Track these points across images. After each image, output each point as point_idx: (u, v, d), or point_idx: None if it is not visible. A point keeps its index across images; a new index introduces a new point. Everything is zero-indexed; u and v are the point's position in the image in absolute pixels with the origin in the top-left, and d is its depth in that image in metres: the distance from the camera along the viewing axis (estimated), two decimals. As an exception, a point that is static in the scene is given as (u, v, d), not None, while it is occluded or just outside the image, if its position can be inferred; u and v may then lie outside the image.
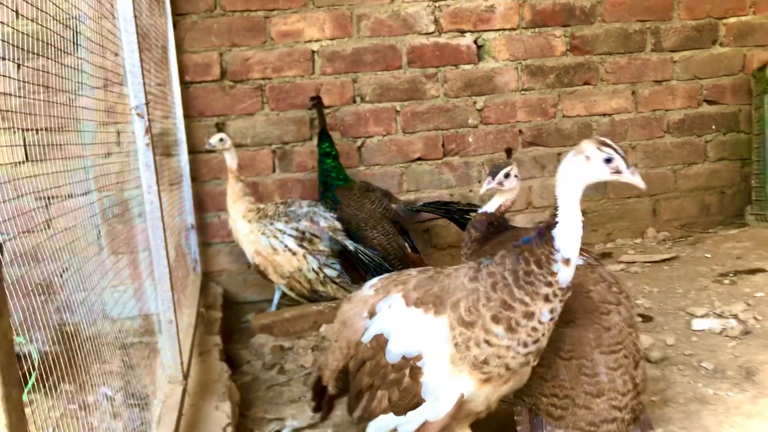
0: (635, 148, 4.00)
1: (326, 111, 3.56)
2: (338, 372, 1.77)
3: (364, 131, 3.69)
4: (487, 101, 3.79)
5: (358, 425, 1.71)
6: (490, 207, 2.17)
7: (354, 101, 3.66)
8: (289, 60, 3.56)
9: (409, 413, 1.54)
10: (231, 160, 3.16)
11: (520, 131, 3.85)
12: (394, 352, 1.55)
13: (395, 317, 1.59)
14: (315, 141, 3.58)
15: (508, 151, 2.20)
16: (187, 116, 3.42)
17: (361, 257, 3.31)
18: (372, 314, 1.66)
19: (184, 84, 3.44)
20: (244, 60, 3.52)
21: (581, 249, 1.86)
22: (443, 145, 3.78)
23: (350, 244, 3.27)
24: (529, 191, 3.90)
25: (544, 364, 1.65)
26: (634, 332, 1.75)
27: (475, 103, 3.79)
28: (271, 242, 3.13)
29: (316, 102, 3.44)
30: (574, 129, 3.91)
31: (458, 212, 3.40)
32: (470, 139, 3.80)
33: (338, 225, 3.28)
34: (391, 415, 1.57)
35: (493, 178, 2.15)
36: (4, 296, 0.91)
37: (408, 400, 1.53)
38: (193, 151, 3.43)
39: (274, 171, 3.62)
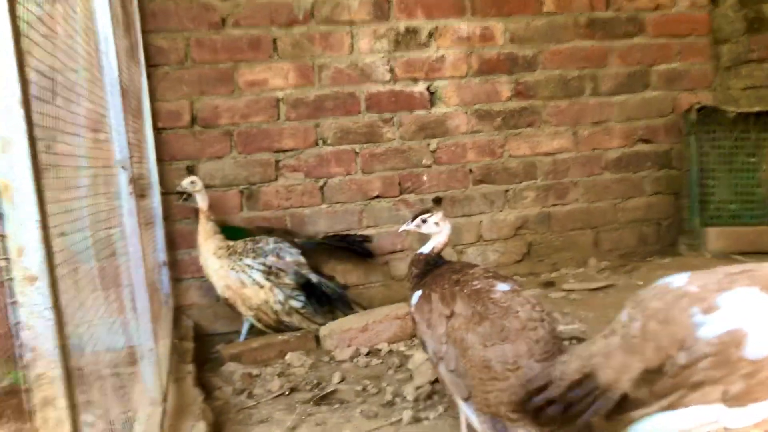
0: (577, 184, 4.44)
1: (290, 153, 3.93)
2: (643, 372, 1.64)
3: (326, 172, 4.05)
4: (440, 143, 4.20)
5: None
6: (426, 249, 2.51)
7: (317, 144, 4.02)
8: (255, 107, 3.92)
9: (751, 405, 1.56)
10: (202, 200, 3.48)
11: (470, 170, 4.26)
12: (757, 347, 1.54)
13: (758, 311, 1.56)
14: (280, 181, 3.92)
15: (436, 200, 2.56)
16: (159, 160, 3.73)
17: (324, 289, 3.64)
18: (709, 310, 1.60)
19: (157, 130, 3.77)
20: (213, 107, 3.86)
21: (507, 278, 2.24)
22: (400, 184, 4.16)
23: (314, 277, 3.60)
24: (479, 225, 4.29)
25: (500, 378, 1.96)
26: (558, 341, 2.10)
27: (428, 144, 4.19)
28: (240, 277, 3.44)
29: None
30: (519, 167, 4.33)
31: (356, 243, 3.88)
32: (425, 178, 4.19)
33: (303, 260, 3.61)
34: (717, 406, 1.59)
35: (412, 222, 2.50)
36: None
37: (757, 393, 1.55)
38: (165, 192, 3.74)
39: (241, 210, 3.94)
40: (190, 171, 3.79)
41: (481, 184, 4.28)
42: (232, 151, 3.91)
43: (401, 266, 4.17)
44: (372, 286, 4.17)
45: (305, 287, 3.61)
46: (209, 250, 3.49)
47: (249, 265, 3.47)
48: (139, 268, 2.35)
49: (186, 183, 3.49)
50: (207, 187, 3.64)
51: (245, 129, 3.91)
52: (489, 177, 4.29)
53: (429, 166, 4.20)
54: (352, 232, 4.01)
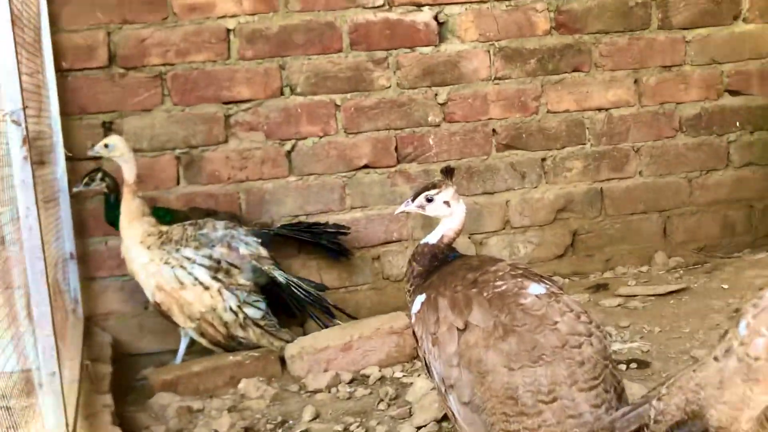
0: (639, 151, 4.46)
1: (245, 105, 3.93)
2: None
3: (294, 131, 4.05)
4: (452, 93, 4.20)
5: None
6: (432, 238, 2.52)
7: (282, 93, 4.02)
8: (197, 41, 3.90)
9: None
10: (128, 170, 3.47)
11: (493, 131, 4.27)
12: None
13: None
14: (232, 144, 3.92)
15: (447, 171, 2.57)
16: (65, 113, 3.72)
17: (295, 291, 3.65)
18: None
19: (61, 72, 3.75)
20: (139, 41, 3.84)
21: (542, 278, 2.25)
22: (397, 149, 4.17)
23: (280, 276, 3.61)
24: (506, 207, 4.32)
25: (530, 413, 1.99)
26: (611, 364, 2.13)
27: (436, 95, 4.19)
28: (176, 274, 3.45)
29: None
30: (561, 128, 4.35)
31: (325, 235, 3.90)
32: (431, 141, 4.19)
33: (264, 252, 3.62)
34: None
35: (412, 201, 2.51)
36: None
37: None
38: (73, 157, 3.73)
39: (178, 183, 3.95)
40: (108, 129, 3.77)
41: (509, 149, 4.29)
42: (165, 102, 3.89)
43: (398, 262, 4.18)
44: (358, 288, 4.19)
45: (267, 289, 3.61)
46: (135, 238, 3.49)
47: (189, 258, 3.47)
48: (37, 262, 2.35)
49: (99, 147, 3.48)
50: (133, 151, 3.61)
51: (183, 71, 3.90)
52: (519, 140, 4.30)
53: (437, 125, 4.20)
54: (323, 221, 4.02)
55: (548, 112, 4.33)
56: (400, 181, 4.18)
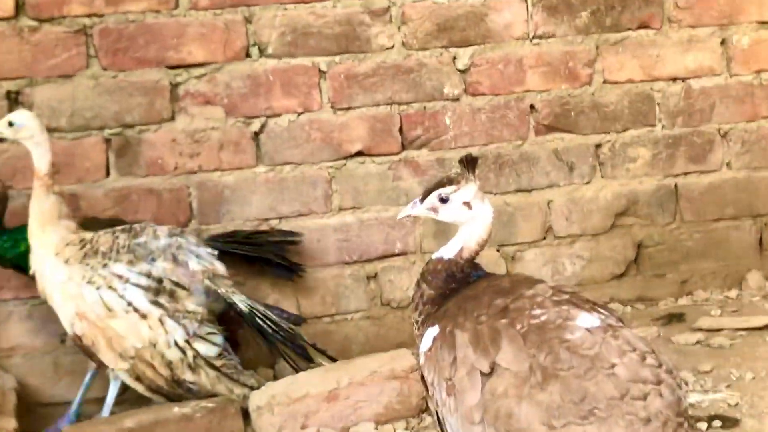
0: (727, 135, 4.46)
1: (198, 70, 3.94)
2: None
3: (264, 106, 4.05)
4: (476, 56, 4.20)
5: None
6: (448, 251, 2.51)
7: (247, 55, 4.02)
8: (133, -16, 3.91)
9: None
10: (40, 157, 3.44)
11: (531, 107, 4.27)
12: None
13: None
14: (180, 122, 3.93)
15: (468, 161, 2.56)
16: (-48, 81, 3.72)
17: (262, 324, 3.64)
18: None
19: (-52, 25, 3.75)
20: (56, -18, 3.85)
21: (596, 305, 2.26)
22: (402, 131, 4.17)
23: (242, 302, 3.60)
24: (547, 209, 4.32)
25: None
26: (687, 422, 2.13)
27: (455, 59, 4.19)
28: (104, 297, 3.43)
29: None
30: (622, 104, 4.35)
31: (269, 247, 3.91)
32: (447, 121, 4.19)
33: (221, 268, 3.60)
34: None
35: (422, 201, 2.52)
36: None
37: None
38: (-36, 140, 3.71)
39: (108, 174, 3.94)
40: (14, 102, 3.76)
41: (552, 132, 4.30)
42: (92, 66, 3.89)
43: (402, 282, 4.18)
44: (347, 317, 4.19)
45: (225, 319, 3.60)
46: (49, 248, 3.47)
47: (121, 277, 3.45)
48: None
49: (2, 125, 3.45)
50: (48, 130, 3.61)
51: (115, 25, 3.89)
52: (566, 120, 4.31)
53: (455, 99, 4.20)
54: (266, 229, 4.04)
55: (605, 82, 4.33)
56: (405, 173, 4.19)
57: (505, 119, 4.25)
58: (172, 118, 3.98)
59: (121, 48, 3.91)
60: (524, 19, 4.24)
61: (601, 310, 2.25)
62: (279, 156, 4.08)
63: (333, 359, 3.84)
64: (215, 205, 4.04)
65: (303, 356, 3.75)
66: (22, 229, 3.52)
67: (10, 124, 3.42)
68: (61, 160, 3.75)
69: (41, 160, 3.43)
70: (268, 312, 3.67)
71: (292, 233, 4.03)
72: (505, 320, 2.21)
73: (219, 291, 3.58)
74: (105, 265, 3.45)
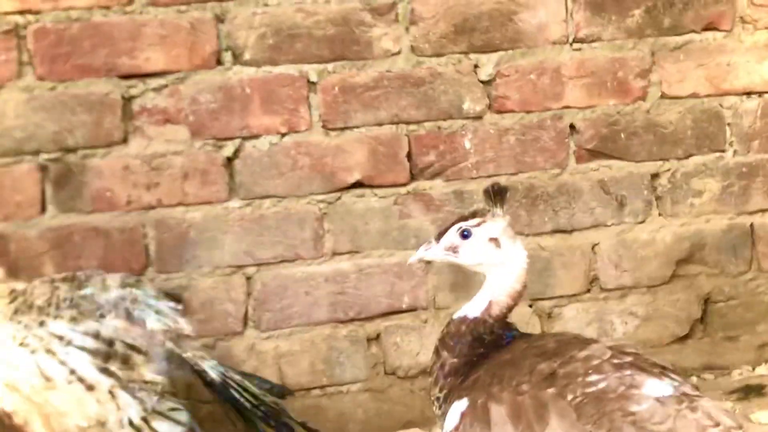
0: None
1: (157, 80, 3.93)
2: None
3: (240, 126, 4.04)
4: (503, 64, 4.21)
5: None
6: (473, 308, 2.53)
7: (219, 62, 4.01)
8: (78, -27, 3.91)
9: None
10: None
11: (572, 128, 4.27)
12: None
13: None
14: (135, 146, 3.91)
15: (495, 192, 2.56)
16: None
17: (238, 395, 3.59)
18: None
19: None
20: (-19, -28, 3.84)
21: (665, 369, 2.24)
22: (410, 157, 4.17)
23: (212, 369, 3.55)
24: (591, 254, 4.32)
25: None
26: None
27: (477, 67, 4.19)
28: (40, 363, 3.40)
29: None
30: (685, 123, 4.35)
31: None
32: (467, 144, 4.19)
33: (184, 326, 3.57)
34: None
35: (438, 240, 2.51)
36: None
37: None
38: None
39: (43, 210, 3.92)
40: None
41: (597, 158, 4.30)
42: (24, 76, 3.88)
43: (410, 345, 4.16)
44: (343, 390, 4.16)
45: (191, 391, 3.57)
46: None
47: (62, 338, 3.42)
48: None
49: None
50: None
51: (55, 24, 3.88)
52: (614, 144, 4.30)
53: (478, 117, 4.20)
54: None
55: (663, 96, 4.34)
56: (415, 209, 4.17)
57: (538, 142, 4.24)
58: (125, 141, 3.96)
59: (62, 53, 3.90)
60: (563, 19, 4.24)
61: (673, 376, 2.24)
62: (258, 187, 4.07)
63: (327, 440, 3.83)
64: (178, 248, 4.02)
65: (287, 436, 3.71)
66: None
67: None
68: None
69: None
70: (246, 382, 3.62)
71: (176, 295, 3.90)
72: (552, 389, 2.21)
73: (184, 356, 3.53)
74: (42, 323, 3.41)
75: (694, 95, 4.35)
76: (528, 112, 4.23)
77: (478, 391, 2.32)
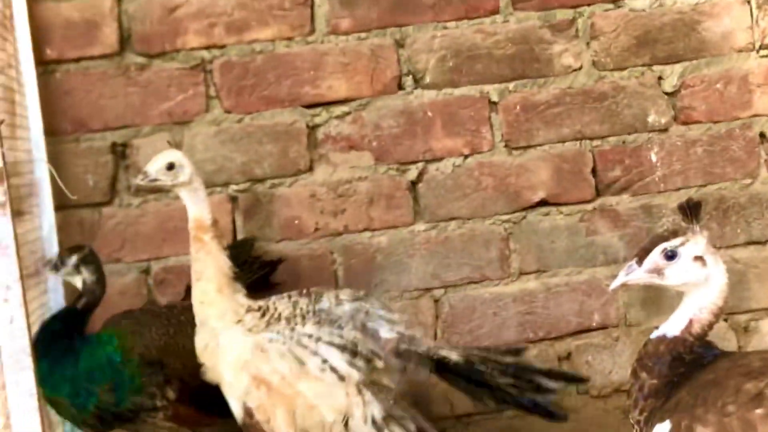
0: None
1: (338, 108, 3.97)
2: None
3: (422, 149, 4.07)
4: (688, 75, 4.15)
5: None
6: (672, 327, 2.48)
7: (400, 87, 4.05)
8: (258, 5, 3.98)
9: None
10: (199, 201, 3.46)
11: (762, 136, 4.19)
12: None
13: None
14: (320, 173, 3.95)
15: (690, 207, 2.51)
16: (50, 132, 3.84)
17: (483, 368, 3.42)
18: None
19: (45, 65, 3.87)
20: (167, 9, 3.94)
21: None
22: (595, 172, 4.14)
23: (451, 352, 3.42)
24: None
25: None
26: None
27: (660, 79, 4.15)
28: (294, 351, 3.37)
29: None
30: None
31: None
32: (653, 157, 4.14)
33: (415, 333, 3.54)
34: None
35: (640, 263, 2.47)
36: None
37: None
38: (64, 205, 3.83)
39: (234, 239, 4.01)
40: (122, 155, 3.85)
41: (797, 170, 4.21)
42: (212, 109, 3.98)
43: (602, 363, 4.12)
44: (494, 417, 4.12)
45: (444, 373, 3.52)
46: (229, 316, 3.46)
47: (311, 336, 3.38)
48: (24, 374, 2.40)
49: (158, 169, 3.40)
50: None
51: (239, 58, 3.97)
52: (811, 151, 4.21)
53: (663, 130, 4.15)
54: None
55: None
56: (601, 226, 4.14)
57: (727, 152, 4.17)
58: (311, 169, 4.02)
59: (247, 85, 3.99)
60: (748, 26, 4.16)
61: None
62: (442, 210, 4.09)
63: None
64: (366, 273, 4.06)
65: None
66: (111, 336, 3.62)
67: (171, 166, 3.42)
68: (177, 225, 3.82)
69: (201, 208, 3.45)
70: (485, 353, 3.51)
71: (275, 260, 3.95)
72: (760, 410, 2.17)
73: (419, 350, 3.49)
74: (293, 329, 3.47)
75: None
76: (715, 122, 4.16)
77: (681, 413, 2.28)
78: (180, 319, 3.72)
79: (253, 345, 3.43)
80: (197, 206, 3.43)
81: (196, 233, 3.43)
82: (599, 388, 4.11)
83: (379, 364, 3.44)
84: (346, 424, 3.39)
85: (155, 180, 3.40)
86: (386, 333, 3.50)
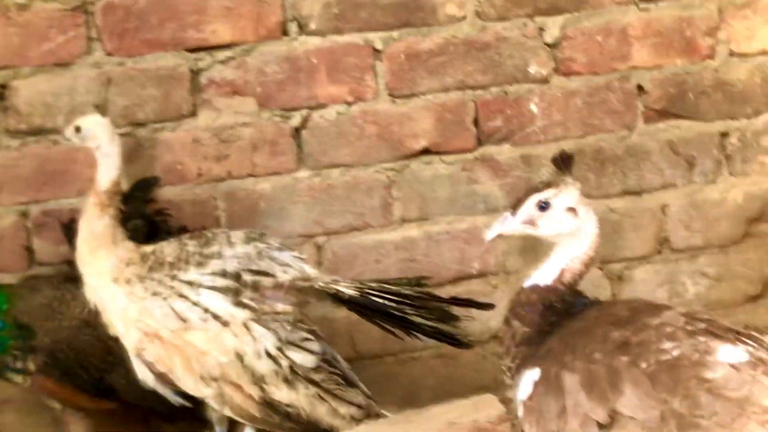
0: None
1: (223, 52, 3.96)
2: None
3: (306, 96, 4.06)
4: (569, 27, 4.19)
5: None
6: (544, 276, 2.54)
7: (284, 32, 4.03)
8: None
9: None
10: (106, 170, 3.48)
11: (639, 88, 4.26)
12: None
13: None
14: (204, 118, 3.93)
15: (563, 159, 2.54)
16: None
17: (378, 300, 3.45)
18: None
19: None
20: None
21: (740, 335, 2.22)
22: (477, 122, 4.17)
23: (346, 288, 3.46)
24: (662, 215, 4.31)
25: None
26: None
27: (542, 30, 4.18)
28: (174, 307, 3.41)
29: None
30: (754, 81, 4.33)
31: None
32: (534, 108, 4.19)
33: (310, 271, 3.53)
34: None
35: (514, 213, 2.51)
36: None
37: None
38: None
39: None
40: (0, 96, 3.82)
41: (666, 119, 4.29)
42: (93, 51, 3.92)
43: (480, 311, 4.14)
44: (414, 356, 4.22)
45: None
46: (105, 274, 3.48)
47: (192, 283, 3.42)
48: None
49: (69, 132, 3.52)
50: (41, 131, 3.68)
51: (121, -1, 3.93)
52: (683, 104, 4.29)
53: (544, 81, 4.20)
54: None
55: (731, 55, 4.32)
56: (482, 175, 4.19)
57: (606, 104, 4.23)
58: (194, 114, 4.00)
59: (130, 28, 3.93)
60: (628, -21, 4.22)
61: (748, 341, 2.23)
62: (325, 157, 4.10)
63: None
64: (248, 219, 4.04)
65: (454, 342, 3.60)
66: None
67: (77, 129, 3.53)
68: (57, 168, 3.79)
69: (105, 174, 3.48)
70: (383, 284, 3.53)
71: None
72: (626, 357, 2.21)
73: (316, 286, 3.48)
74: (173, 277, 3.46)
75: (764, 52, 4.32)
76: (595, 74, 4.22)
77: (551, 360, 2.33)
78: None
79: (129, 299, 3.45)
80: (101, 171, 3.51)
81: (89, 195, 3.50)
82: (477, 334, 4.14)
83: (268, 281, 3.44)
84: (242, 361, 3.43)
85: (68, 139, 3.58)
86: (281, 275, 3.51)
